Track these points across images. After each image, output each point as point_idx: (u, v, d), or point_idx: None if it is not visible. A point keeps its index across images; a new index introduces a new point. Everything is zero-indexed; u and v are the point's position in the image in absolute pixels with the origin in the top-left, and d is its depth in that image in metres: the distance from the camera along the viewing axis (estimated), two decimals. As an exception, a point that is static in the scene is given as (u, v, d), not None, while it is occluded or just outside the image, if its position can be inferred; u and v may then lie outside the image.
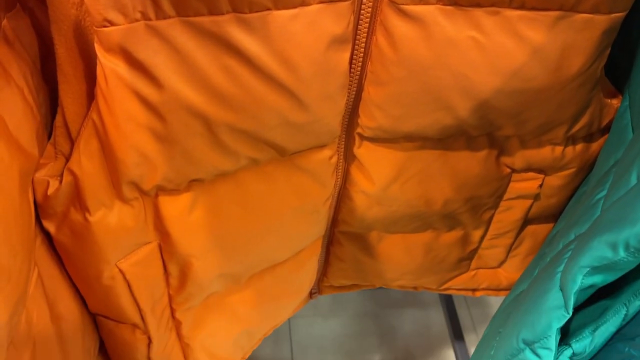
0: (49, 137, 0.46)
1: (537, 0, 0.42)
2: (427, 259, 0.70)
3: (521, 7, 0.43)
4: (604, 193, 0.46)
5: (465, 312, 1.28)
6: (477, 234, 0.68)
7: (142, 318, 0.54)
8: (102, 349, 0.60)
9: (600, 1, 0.43)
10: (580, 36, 0.45)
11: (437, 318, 1.28)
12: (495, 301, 1.30)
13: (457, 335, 1.16)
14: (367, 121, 0.50)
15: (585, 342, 0.43)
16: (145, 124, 0.41)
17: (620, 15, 0.44)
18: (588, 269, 0.39)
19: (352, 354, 1.20)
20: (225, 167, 0.48)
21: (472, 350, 1.17)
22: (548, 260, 0.50)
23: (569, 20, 0.43)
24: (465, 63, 0.45)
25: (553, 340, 0.41)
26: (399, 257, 0.69)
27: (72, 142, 0.44)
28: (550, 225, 0.69)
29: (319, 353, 1.20)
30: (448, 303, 1.23)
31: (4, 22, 0.40)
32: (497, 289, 0.78)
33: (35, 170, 0.44)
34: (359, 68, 0.46)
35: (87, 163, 0.43)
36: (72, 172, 0.43)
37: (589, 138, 0.57)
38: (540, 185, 0.61)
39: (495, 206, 0.64)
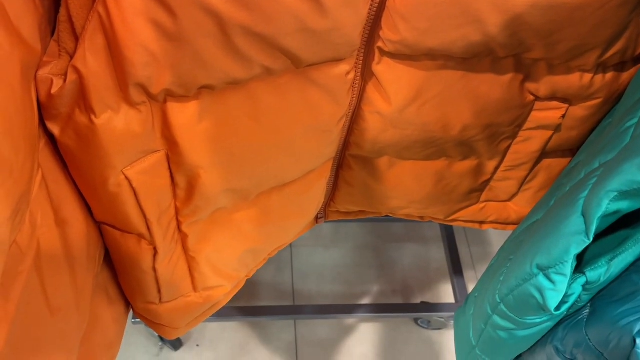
0: (53, 34, 0.43)
1: None
2: (437, 188, 0.69)
3: None
4: (634, 121, 0.44)
5: (465, 249, 1.29)
6: (491, 165, 0.66)
7: (148, 228, 0.53)
8: (107, 258, 0.60)
9: None
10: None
11: (438, 254, 1.29)
12: (497, 241, 1.31)
13: (456, 271, 1.17)
14: (389, 34, 0.47)
15: (601, 271, 0.42)
16: (155, 19, 0.39)
17: None
18: (616, 193, 0.37)
19: (350, 284, 1.22)
20: (237, 75, 0.45)
21: (470, 286, 1.19)
22: (567, 189, 0.48)
23: None
24: None
25: (569, 266, 0.41)
26: (409, 184, 0.68)
27: (77, 39, 0.42)
28: (567, 159, 0.67)
29: (319, 281, 1.22)
30: (449, 239, 1.23)
31: None
32: (505, 223, 0.77)
33: (38, 69, 0.42)
34: (385, -27, 0.43)
35: (92, 60, 0.41)
36: (76, 70, 0.41)
37: (620, 67, 0.55)
38: (563, 116, 0.59)
39: (514, 136, 0.62)
